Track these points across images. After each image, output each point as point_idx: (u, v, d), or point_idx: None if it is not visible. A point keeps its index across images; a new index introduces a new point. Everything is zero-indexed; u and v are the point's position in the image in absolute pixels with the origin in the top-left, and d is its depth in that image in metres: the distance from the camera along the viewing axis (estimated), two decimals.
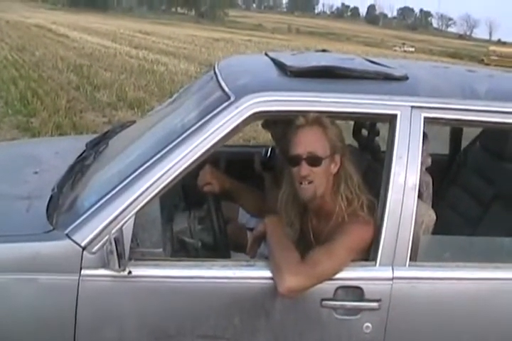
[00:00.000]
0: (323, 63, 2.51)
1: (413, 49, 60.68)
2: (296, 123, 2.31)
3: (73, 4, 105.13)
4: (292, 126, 2.34)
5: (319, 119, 2.30)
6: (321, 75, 2.42)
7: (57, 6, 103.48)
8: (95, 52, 22.78)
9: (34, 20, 43.83)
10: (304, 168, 2.30)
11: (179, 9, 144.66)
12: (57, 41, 26.64)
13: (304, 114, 2.30)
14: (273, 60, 2.81)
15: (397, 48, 58.88)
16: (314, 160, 2.29)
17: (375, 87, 2.42)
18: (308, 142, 2.30)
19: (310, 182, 2.32)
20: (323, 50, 3.58)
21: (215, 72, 2.78)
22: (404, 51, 55.53)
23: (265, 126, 3.25)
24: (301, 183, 2.33)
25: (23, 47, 22.05)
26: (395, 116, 2.31)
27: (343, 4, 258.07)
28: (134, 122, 3.65)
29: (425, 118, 2.32)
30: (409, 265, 2.29)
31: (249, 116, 2.26)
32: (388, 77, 2.48)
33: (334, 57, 3.12)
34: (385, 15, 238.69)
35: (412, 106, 2.32)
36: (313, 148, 2.30)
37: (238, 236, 2.96)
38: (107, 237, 2.13)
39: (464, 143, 3.78)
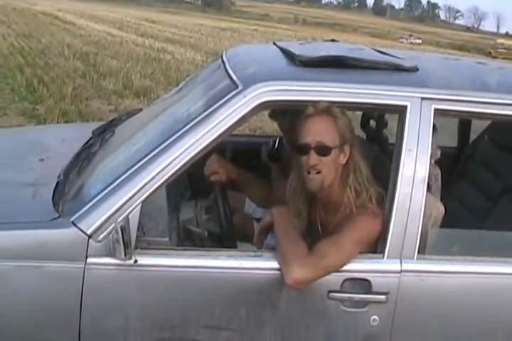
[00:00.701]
0: (332, 53, 2.48)
1: (420, 41, 60.44)
2: (306, 112, 2.29)
3: None
4: (301, 115, 2.31)
5: (329, 109, 2.28)
6: (331, 65, 2.39)
7: None
8: (101, 40, 22.75)
9: (41, 7, 43.77)
10: (313, 157, 2.28)
11: None
12: (64, 28, 26.61)
13: (313, 103, 2.28)
14: (282, 49, 2.79)
15: (403, 40, 58.67)
16: (323, 150, 2.27)
17: (384, 78, 2.39)
18: (317, 131, 2.28)
19: (318, 172, 2.30)
20: (332, 40, 3.55)
21: (222, 61, 2.76)
22: (411, 43, 55.31)
23: (272, 116, 3.23)
24: (309, 173, 2.31)
25: (30, 34, 22.03)
26: (404, 107, 2.28)
27: None
28: (140, 110, 3.64)
29: (435, 109, 2.30)
30: (417, 258, 2.27)
31: (258, 106, 2.24)
32: (398, 68, 2.45)
33: (343, 47, 3.09)
34: (392, 7, 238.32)
35: (422, 98, 2.29)
36: (323, 137, 2.28)
37: (244, 226, 2.95)
38: (113, 225, 2.11)
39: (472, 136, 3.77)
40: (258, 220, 2.92)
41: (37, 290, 2.18)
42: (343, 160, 2.33)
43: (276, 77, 2.33)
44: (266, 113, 3.23)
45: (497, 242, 2.51)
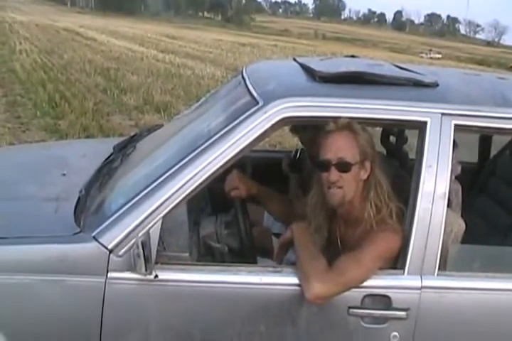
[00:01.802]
0: (352, 69, 2.49)
1: (440, 55, 60.25)
2: (327, 128, 2.30)
3: (101, 8, 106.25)
4: (322, 131, 2.32)
5: (350, 125, 2.28)
6: (350, 81, 2.40)
7: (86, 10, 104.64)
8: (122, 55, 22.96)
9: (63, 23, 44.32)
10: (334, 174, 2.28)
11: (205, 14, 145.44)
12: (85, 44, 26.91)
13: (334, 119, 2.29)
14: (301, 65, 2.80)
15: (423, 55, 58.48)
16: (344, 166, 2.28)
17: (404, 94, 2.40)
18: (338, 147, 2.29)
19: (339, 188, 2.30)
20: (352, 56, 3.56)
21: (243, 77, 2.77)
22: (431, 58, 55.13)
23: (294, 131, 3.24)
24: (329, 188, 2.31)
25: (52, 50, 22.32)
26: (425, 123, 2.28)
27: (369, 10, 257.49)
28: (161, 126, 3.67)
29: (455, 125, 2.30)
30: (437, 274, 2.25)
31: (278, 122, 2.25)
32: (418, 84, 2.46)
33: (363, 62, 3.09)
34: (412, 22, 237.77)
35: (443, 113, 2.29)
36: (343, 153, 2.28)
37: (263, 240, 2.95)
38: (134, 240, 2.13)
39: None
40: (276, 235, 2.92)
41: (59, 304, 2.20)
42: (363, 175, 2.33)
43: (296, 93, 2.34)
44: (286, 128, 3.25)
45: None
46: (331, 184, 2.29)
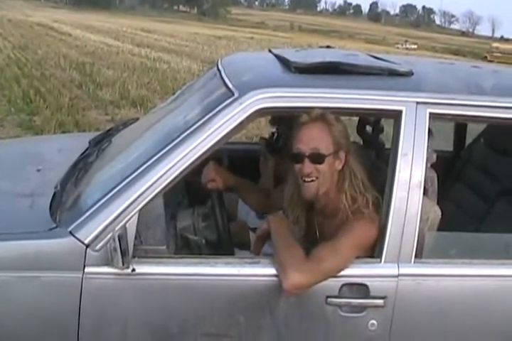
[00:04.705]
0: (327, 59, 2.50)
1: (416, 46, 60.47)
2: (300, 120, 2.30)
3: (75, 3, 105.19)
4: (296, 122, 2.32)
5: (323, 116, 2.28)
6: (326, 71, 2.40)
7: (60, 5, 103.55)
8: (98, 50, 22.78)
9: (36, 18, 43.86)
10: (307, 166, 2.28)
11: (181, 7, 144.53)
12: (60, 39, 26.66)
13: (307, 110, 2.28)
14: (277, 56, 2.80)
15: (399, 46, 58.65)
16: (317, 158, 2.28)
17: (379, 83, 2.40)
18: (311, 139, 2.29)
19: (313, 180, 2.30)
20: (328, 46, 3.57)
21: (218, 69, 2.77)
22: (407, 48, 55.27)
23: (272, 122, 3.25)
24: (304, 181, 2.31)
25: (26, 45, 22.07)
26: (400, 112, 2.29)
27: (345, 2, 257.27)
28: (137, 119, 3.64)
29: (430, 114, 2.31)
30: (414, 262, 2.27)
31: (254, 113, 2.24)
32: (393, 73, 2.46)
33: (338, 53, 3.10)
34: (388, 13, 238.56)
35: (417, 102, 2.30)
36: (317, 145, 2.28)
37: (240, 235, 2.95)
38: (110, 234, 2.11)
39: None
40: (252, 230, 2.92)
41: (35, 300, 2.18)
42: (338, 166, 2.33)
43: (271, 84, 2.34)
44: (263, 120, 3.25)
45: (494, 244, 2.51)
46: (305, 176, 2.29)
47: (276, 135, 3.50)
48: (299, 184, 2.35)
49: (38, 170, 2.92)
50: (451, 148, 3.89)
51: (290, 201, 2.46)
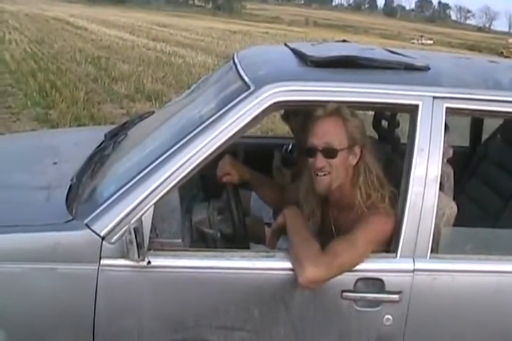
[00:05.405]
0: (343, 53, 2.48)
1: (431, 41, 60.16)
2: (315, 113, 2.29)
3: None
4: (311, 116, 2.31)
5: (338, 110, 2.27)
6: (342, 65, 2.39)
7: None
8: (113, 44, 22.85)
9: (52, 13, 44.00)
10: (320, 160, 2.28)
11: (196, 2, 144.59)
12: (76, 34, 26.74)
13: (323, 104, 2.28)
14: (293, 50, 2.79)
15: (414, 41, 58.38)
16: (330, 152, 2.27)
17: (396, 77, 2.39)
18: (325, 133, 2.28)
19: (326, 174, 2.30)
20: (344, 41, 3.55)
21: (234, 63, 2.76)
22: (422, 44, 55.01)
23: (285, 118, 3.23)
24: (317, 175, 2.31)
25: (42, 39, 22.17)
26: (416, 106, 2.28)
27: None
28: (152, 113, 3.65)
29: (447, 108, 2.29)
30: (430, 257, 2.26)
31: (270, 106, 2.24)
32: (409, 67, 2.45)
33: (354, 47, 3.09)
34: (403, 8, 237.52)
35: (434, 97, 2.28)
36: (330, 139, 2.27)
37: (256, 229, 2.95)
38: (126, 227, 2.12)
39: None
40: (268, 225, 2.92)
41: (51, 292, 2.20)
42: (352, 161, 2.32)
43: (287, 77, 2.33)
44: (278, 115, 3.24)
45: (510, 240, 2.49)
46: (318, 170, 2.29)
47: (290, 147, 3.48)
48: (312, 178, 2.35)
49: (55, 163, 2.93)
50: (467, 144, 3.87)
51: (306, 195, 2.46)
